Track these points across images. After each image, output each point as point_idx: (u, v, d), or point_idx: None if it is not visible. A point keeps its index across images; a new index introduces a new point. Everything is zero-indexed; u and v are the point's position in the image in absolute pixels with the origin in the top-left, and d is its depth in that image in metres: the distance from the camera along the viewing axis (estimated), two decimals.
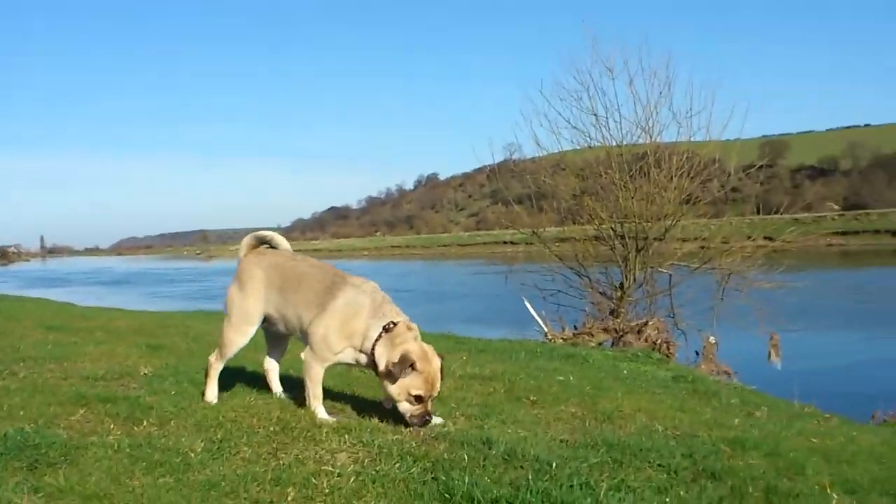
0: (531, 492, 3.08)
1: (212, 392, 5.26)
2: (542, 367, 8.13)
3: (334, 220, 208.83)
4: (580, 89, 15.43)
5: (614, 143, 15.52)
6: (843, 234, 74.34)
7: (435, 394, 4.67)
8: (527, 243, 17.64)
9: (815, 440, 5.22)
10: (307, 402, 4.86)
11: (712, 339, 14.40)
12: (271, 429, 4.42)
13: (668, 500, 3.18)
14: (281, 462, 3.80)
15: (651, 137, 15.23)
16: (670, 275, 14.96)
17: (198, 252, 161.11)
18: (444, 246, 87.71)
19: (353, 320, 4.74)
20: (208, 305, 24.30)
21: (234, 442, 4.13)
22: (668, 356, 13.91)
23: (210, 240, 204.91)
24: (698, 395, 7.54)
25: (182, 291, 45.01)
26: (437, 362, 4.68)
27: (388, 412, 5.14)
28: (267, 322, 5.23)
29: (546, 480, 3.33)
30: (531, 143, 16.71)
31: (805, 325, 15.97)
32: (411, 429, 4.52)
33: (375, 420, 4.81)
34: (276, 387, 5.49)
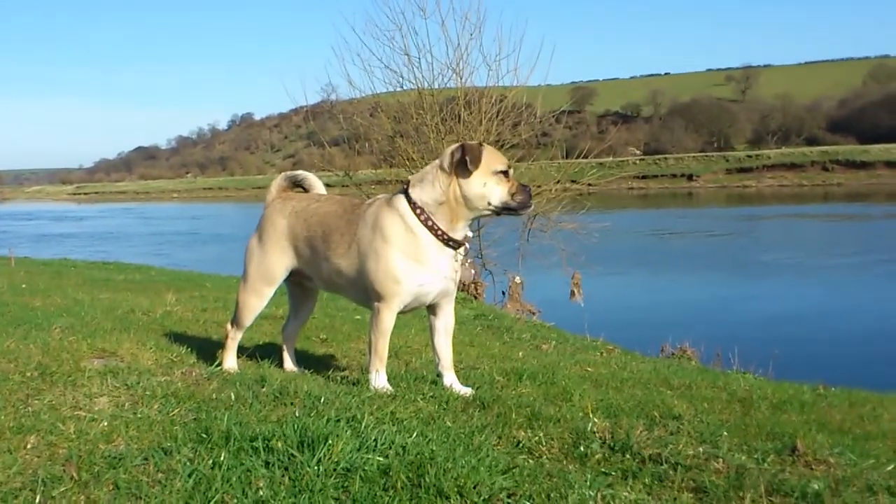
0: (292, 427, 3.00)
1: (230, 361, 4.61)
2: (342, 307, 8.11)
3: (142, 161, 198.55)
4: (393, 28, 15.27)
5: (426, 86, 15.54)
6: (643, 177, 79.24)
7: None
8: (342, 185, 17.44)
9: (590, 369, 5.49)
10: (369, 365, 4.17)
11: (518, 280, 14.91)
12: (28, 374, 4.07)
13: (431, 429, 3.21)
14: (30, 409, 3.50)
15: (462, 80, 15.36)
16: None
17: None
18: (259, 188, 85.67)
19: (383, 226, 4.04)
20: None
21: None
22: (475, 297, 14.30)
23: (4, 181, 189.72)
24: (492, 331, 7.78)
25: None
26: None
27: (165, 350, 4.91)
28: (301, 278, 4.54)
29: (312, 416, 3.27)
30: (345, 83, 16.44)
31: (605, 265, 16.86)
32: (183, 371, 4.29)
33: (148, 363, 4.58)
34: (290, 362, 4.81)
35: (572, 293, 15.14)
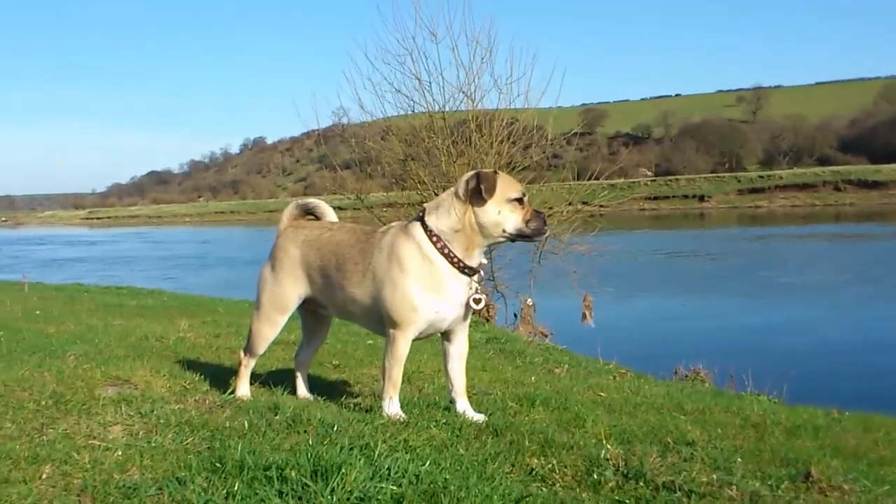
0: (305, 456, 3.01)
1: (243, 389, 4.61)
2: (354, 333, 8.11)
3: (155, 185, 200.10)
4: (404, 53, 15.35)
5: (437, 109, 15.61)
6: (655, 199, 79.17)
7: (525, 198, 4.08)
8: (354, 208, 17.49)
9: (602, 394, 5.47)
10: (382, 391, 4.17)
11: (530, 302, 14.87)
12: (43, 403, 4.12)
13: (444, 457, 3.21)
14: (45, 438, 3.53)
15: (473, 103, 15.43)
16: None
17: (3, 219, 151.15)
18: (270, 212, 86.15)
19: (400, 255, 4.06)
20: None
21: None
22: (487, 319, 14.28)
23: (18, 206, 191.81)
24: (504, 355, 7.76)
25: None
26: None
27: (178, 377, 4.93)
28: (314, 305, 4.55)
29: (325, 444, 3.28)
30: (356, 108, 16.52)
31: (617, 286, 16.81)
32: (196, 398, 4.30)
33: (162, 390, 4.60)
34: (303, 389, 4.82)
35: (584, 316, 15.07)
